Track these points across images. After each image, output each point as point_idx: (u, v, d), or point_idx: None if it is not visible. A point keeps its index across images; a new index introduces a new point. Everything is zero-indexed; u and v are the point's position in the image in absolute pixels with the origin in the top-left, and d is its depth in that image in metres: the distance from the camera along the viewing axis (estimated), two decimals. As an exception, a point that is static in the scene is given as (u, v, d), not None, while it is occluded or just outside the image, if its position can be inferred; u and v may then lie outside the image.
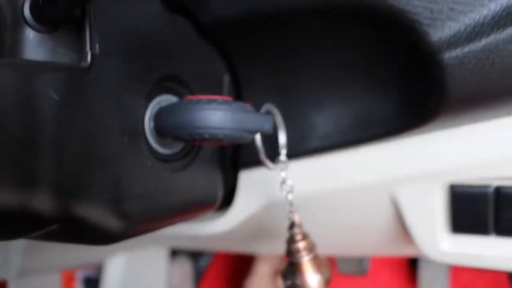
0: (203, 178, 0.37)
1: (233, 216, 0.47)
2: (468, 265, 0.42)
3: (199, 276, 1.14)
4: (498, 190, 0.39)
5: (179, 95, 0.35)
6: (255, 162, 0.41)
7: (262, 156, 0.36)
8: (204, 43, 0.37)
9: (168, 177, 0.33)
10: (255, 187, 0.45)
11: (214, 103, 0.31)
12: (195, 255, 1.13)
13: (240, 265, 1.11)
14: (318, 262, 0.38)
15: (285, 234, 0.38)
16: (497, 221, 0.40)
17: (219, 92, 0.39)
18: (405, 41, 0.31)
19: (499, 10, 0.28)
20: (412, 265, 1.00)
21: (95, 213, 0.28)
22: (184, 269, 1.07)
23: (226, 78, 0.40)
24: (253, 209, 0.46)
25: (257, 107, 0.40)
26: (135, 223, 0.30)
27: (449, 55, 0.29)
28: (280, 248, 0.40)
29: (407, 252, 0.52)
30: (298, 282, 0.37)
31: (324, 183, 0.42)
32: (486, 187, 0.39)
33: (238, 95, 0.42)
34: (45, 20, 0.26)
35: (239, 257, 1.12)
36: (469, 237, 0.42)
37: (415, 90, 0.34)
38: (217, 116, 0.31)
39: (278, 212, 0.44)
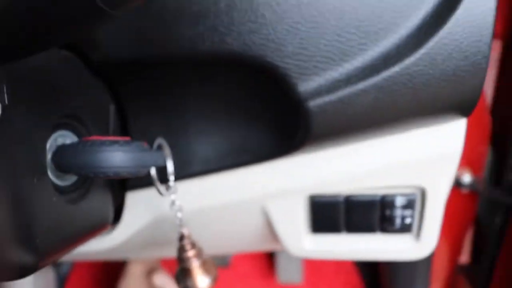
0: (98, 204, 0.39)
1: (121, 232, 0.49)
2: (326, 258, 0.52)
3: (62, 283, 1.11)
4: (347, 198, 0.48)
5: (73, 129, 0.36)
6: (142, 184, 0.45)
7: (158, 186, 0.40)
8: (93, 78, 0.39)
9: (70, 208, 0.35)
10: (141, 205, 0.48)
11: (117, 144, 0.34)
12: (55, 263, 1.09)
13: (107, 267, 1.10)
14: (206, 265, 0.43)
15: (175, 242, 0.43)
16: (347, 221, 0.49)
17: (106, 121, 0.41)
18: (277, 88, 0.37)
19: (351, 70, 0.36)
20: (269, 254, 1.11)
21: (9, 252, 0.29)
22: (47, 277, 1.03)
23: (112, 108, 0.42)
24: (140, 225, 0.49)
25: (143, 136, 0.43)
26: (46, 255, 0.32)
27: (313, 103, 0.36)
28: (172, 252, 0.44)
29: (275, 248, 0.60)
30: (190, 284, 0.43)
31: (205, 200, 0.47)
32: (338, 196, 0.48)
33: (124, 122, 0.44)
34: None
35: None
36: (326, 235, 0.51)
37: (285, 125, 0.40)
38: (120, 156, 0.33)
39: (166, 224, 0.48)
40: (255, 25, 0.35)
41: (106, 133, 0.41)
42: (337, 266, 1.05)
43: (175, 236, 0.44)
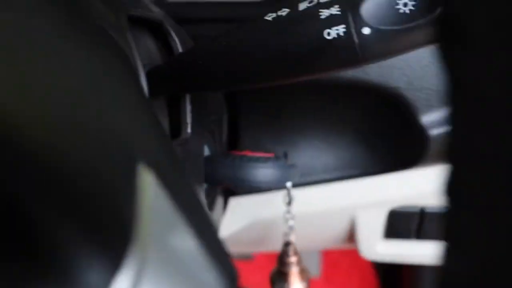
0: (219, 212, 0.43)
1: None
2: (395, 262, 0.57)
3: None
4: (422, 210, 0.53)
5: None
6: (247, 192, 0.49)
7: (285, 196, 0.44)
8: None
9: None
10: (241, 210, 0.52)
11: (270, 161, 0.38)
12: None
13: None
14: (302, 273, 0.48)
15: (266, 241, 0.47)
16: (419, 230, 0.55)
17: (221, 130, 0.45)
18: (400, 114, 0.42)
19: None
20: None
21: None
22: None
23: (225, 118, 0.46)
24: (236, 228, 0.53)
25: (254, 147, 0.47)
26: None
27: (434, 132, 0.41)
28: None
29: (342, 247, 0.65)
30: (285, 287, 0.47)
31: (303, 207, 0.52)
32: (414, 207, 0.53)
33: (235, 129, 0.48)
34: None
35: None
36: (397, 241, 0.56)
37: (399, 147, 0.45)
38: (271, 173, 0.38)
39: (261, 226, 0.52)
40: (397, 61, 0.39)
41: (220, 142, 0.45)
42: (352, 261, 1.12)
43: (269, 236, 0.49)
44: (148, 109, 0.20)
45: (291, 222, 0.47)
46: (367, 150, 0.47)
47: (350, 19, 0.24)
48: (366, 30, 0.24)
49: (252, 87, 0.27)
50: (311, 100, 0.46)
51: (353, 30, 0.24)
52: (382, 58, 0.25)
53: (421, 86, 0.40)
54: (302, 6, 0.25)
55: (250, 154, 0.38)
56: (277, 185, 0.38)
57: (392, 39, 0.24)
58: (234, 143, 0.49)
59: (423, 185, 0.51)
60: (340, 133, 0.47)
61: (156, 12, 0.30)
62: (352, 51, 0.24)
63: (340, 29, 0.24)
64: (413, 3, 0.24)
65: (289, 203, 0.45)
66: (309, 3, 0.25)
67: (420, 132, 0.42)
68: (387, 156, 0.47)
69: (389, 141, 0.46)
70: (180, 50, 0.31)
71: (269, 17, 0.26)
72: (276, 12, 0.26)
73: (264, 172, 0.37)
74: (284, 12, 0.25)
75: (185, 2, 0.42)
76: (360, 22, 0.24)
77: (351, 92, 0.43)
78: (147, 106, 0.20)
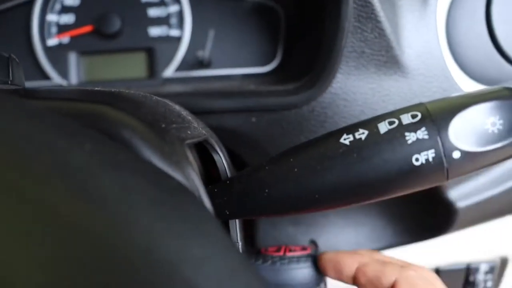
0: None
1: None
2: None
3: None
4: (437, 270, 0.53)
5: None
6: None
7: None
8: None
9: None
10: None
11: (307, 260, 0.35)
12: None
13: None
14: None
15: None
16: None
17: None
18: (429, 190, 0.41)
19: (494, 176, 0.41)
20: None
21: None
22: None
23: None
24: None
25: (272, 223, 0.45)
26: None
27: (461, 204, 0.41)
28: None
29: None
30: None
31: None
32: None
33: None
34: None
35: None
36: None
37: (427, 217, 0.44)
38: (308, 272, 0.35)
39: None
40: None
41: None
42: None
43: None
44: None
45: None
46: (392, 222, 0.46)
47: (440, 143, 0.22)
48: (456, 154, 0.22)
49: (322, 211, 0.25)
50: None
51: (443, 155, 0.22)
52: (466, 174, 0.24)
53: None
54: (382, 128, 0.23)
55: (286, 253, 0.36)
56: (318, 281, 0.36)
57: (481, 159, 0.23)
58: (249, 222, 0.47)
59: (437, 246, 0.50)
60: (362, 209, 0.46)
61: (199, 127, 0.28)
62: (440, 174, 0.23)
63: (430, 154, 0.22)
64: (502, 121, 0.23)
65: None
66: (389, 124, 0.23)
67: (447, 205, 0.41)
68: (413, 228, 0.46)
69: (415, 214, 0.45)
70: (225, 165, 0.28)
71: (345, 140, 0.23)
72: (352, 133, 0.24)
73: (306, 272, 0.35)
74: (362, 134, 0.23)
75: (196, 93, 0.39)
76: (449, 146, 0.22)
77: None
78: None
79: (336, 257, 0.33)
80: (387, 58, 0.35)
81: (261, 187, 0.24)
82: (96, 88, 0.25)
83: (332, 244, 0.47)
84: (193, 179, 0.22)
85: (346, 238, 0.47)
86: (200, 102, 0.37)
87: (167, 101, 0.27)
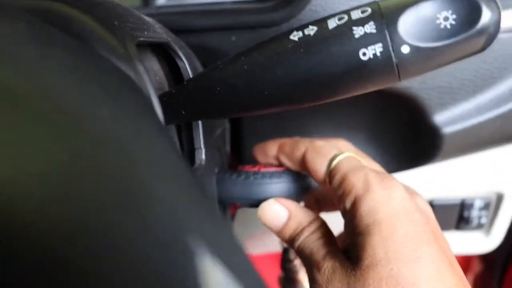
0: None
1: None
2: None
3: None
4: (431, 203, 0.53)
5: None
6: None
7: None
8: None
9: None
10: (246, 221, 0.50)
11: (283, 176, 0.36)
12: None
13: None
14: None
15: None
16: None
17: (224, 139, 0.43)
18: (414, 114, 0.41)
19: (482, 101, 0.40)
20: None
21: None
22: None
23: (228, 126, 0.44)
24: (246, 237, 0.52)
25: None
26: None
27: (447, 129, 0.40)
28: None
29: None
30: None
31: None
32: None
33: (238, 137, 0.46)
34: None
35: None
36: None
37: (413, 145, 0.44)
38: (285, 187, 0.36)
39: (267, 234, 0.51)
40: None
41: (225, 154, 0.43)
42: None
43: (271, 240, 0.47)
44: (169, 141, 0.18)
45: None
46: (379, 150, 0.46)
47: (388, 37, 0.22)
48: (405, 49, 0.22)
49: (275, 111, 0.25)
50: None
51: (391, 49, 0.22)
52: (420, 74, 0.24)
53: (434, 85, 0.39)
54: (331, 23, 0.23)
55: (260, 169, 0.36)
56: (294, 199, 0.36)
57: (432, 55, 0.22)
58: (237, 151, 0.47)
59: (431, 179, 0.50)
60: (351, 134, 0.46)
61: (162, 32, 0.28)
62: (390, 70, 0.22)
63: (377, 48, 0.22)
64: (454, 16, 0.22)
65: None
66: (339, 20, 0.23)
67: (433, 130, 0.41)
68: (400, 156, 0.45)
69: (401, 141, 0.45)
70: (189, 72, 0.29)
71: (294, 36, 0.23)
72: (302, 30, 0.23)
73: (280, 187, 0.35)
74: (311, 30, 0.23)
75: (180, 12, 0.39)
76: (398, 41, 0.22)
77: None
78: (167, 137, 0.18)
79: (264, 144, 0.37)
80: (369, -28, 0.34)
81: (213, 85, 0.24)
82: None
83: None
84: (141, 74, 0.22)
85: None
86: (180, 20, 0.37)
87: (129, 8, 0.27)
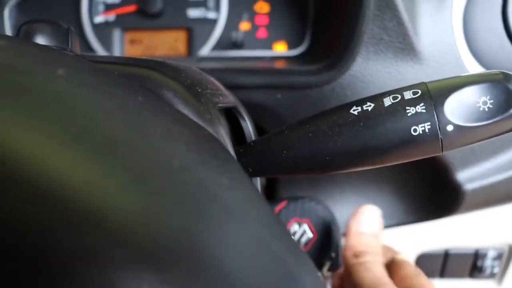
0: None
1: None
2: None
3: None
4: (446, 252, 0.56)
5: None
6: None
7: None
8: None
9: None
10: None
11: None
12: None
13: None
14: None
15: None
16: (442, 269, 0.57)
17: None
18: (437, 172, 0.44)
19: (502, 161, 0.44)
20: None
21: None
22: None
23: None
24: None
25: (291, 191, 0.48)
26: None
27: (468, 187, 0.44)
28: None
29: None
30: None
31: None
32: (438, 250, 0.56)
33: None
34: None
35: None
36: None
37: (435, 199, 0.47)
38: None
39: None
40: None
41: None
42: None
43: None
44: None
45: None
46: (403, 201, 0.49)
47: (435, 117, 0.26)
48: (449, 127, 0.26)
49: (333, 173, 0.29)
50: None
51: (437, 127, 0.26)
52: (459, 147, 0.27)
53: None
54: (386, 101, 0.27)
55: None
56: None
57: (472, 133, 0.26)
58: (270, 189, 0.50)
59: (448, 229, 0.53)
60: (377, 185, 0.49)
61: (229, 95, 0.32)
62: (435, 144, 0.26)
63: (426, 126, 0.26)
64: (492, 101, 0.26)
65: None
66: (393, 99, 0.27)
67: (455, 187, 0.44)
68: (422, 208, 0.49)
69: (424, 194, 0.48)
70: (252, 133, 0.32)
71: (354, 110, 0.27)
72: (361, 105, 0.27)
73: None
74: (369, 106, 0.27)
75: (228, 70, 0.43)
76: (444, 120, 0.26)
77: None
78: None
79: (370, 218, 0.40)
80: (404, 45, 0.39)
81: (280, 148, 0.28)
82: (143, 58, 0.30)
83: (344, 216, 0.50)
84: (222, 135, 0.26)
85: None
86: (231, 78, 0.41)
87: (204, 73, 0.31)
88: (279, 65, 0.45)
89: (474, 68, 0.40)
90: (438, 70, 0.39)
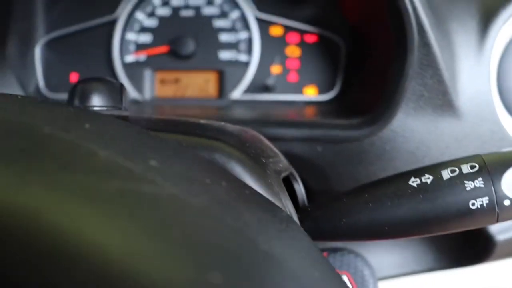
0: None
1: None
2: None
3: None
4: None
5: None
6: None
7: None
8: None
9: None
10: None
11: None
12: None
13: None
14: None
15: None
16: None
17: None
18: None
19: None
20: None
21: None
22: None
23: None
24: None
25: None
26: None
27: (500, 237, 0.45)
28: None
29: None
30: None
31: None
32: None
33: None
34: None
35: None
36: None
37: (466, 249, 0.48)
38: None
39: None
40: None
41: None
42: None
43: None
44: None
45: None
46: (434, 248, 0.50)
47: (493, 192, 0.27)
48: (506, 202, 0.27)
49: (389, 239, 0.30)
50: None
51: (495, 202, 0.27)
52: (512, 219, 0.28)
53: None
54: (445, 174, 0.28)
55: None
56: None
57: (527, 206, 0.27)
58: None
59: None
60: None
61: (283, 159, 0.33)
62: (492, 217, 0.27)
63: (484, 200, 0.27)
64: (547, 177, 0.27)
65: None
66: (451, 172, 0.28)
67: (487, 237, 0.45)
68: (453, 255, 0.50)
69: (456, 243, 0.49)
70: (304, 193, 0.33)
71: (413, 182, 0.28)
72: (419, 177, 0.28)
73: None
74: (428, 179, 0.28)
75: (266, 122, 0.44)
76: (501, 195, 0.27)
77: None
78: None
79: None
80: (443, 101, 0.40)
81: (339, 216, 0.29)
82: (202, 121, 0.31)
83: (377, 262, 0.51)
84: (289, 208, 0.27)
85: (390, 258, 0.51)
86: (271, 130, 0.42)
87: (259, 135, 0.32)
88: (311, 112, 0.46)
89: (509, 123, 0.41)
90: (475, 126, 0.40)
